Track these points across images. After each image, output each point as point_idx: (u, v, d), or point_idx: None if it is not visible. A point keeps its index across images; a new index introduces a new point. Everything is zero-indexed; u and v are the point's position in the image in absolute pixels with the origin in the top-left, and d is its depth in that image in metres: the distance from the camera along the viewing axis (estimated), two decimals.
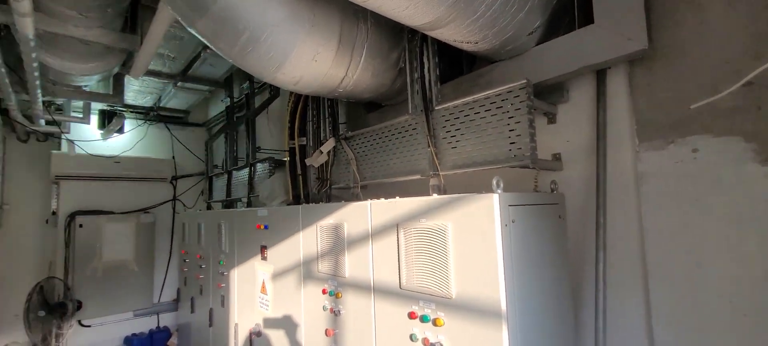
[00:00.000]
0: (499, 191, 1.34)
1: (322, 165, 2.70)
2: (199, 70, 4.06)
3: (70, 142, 4.54)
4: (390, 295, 1.66)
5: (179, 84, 4.37)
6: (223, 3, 1.49)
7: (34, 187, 4.60)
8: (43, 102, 3.65)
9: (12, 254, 4.44)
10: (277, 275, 2.47)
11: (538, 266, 1.48)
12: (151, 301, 4.92)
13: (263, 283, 2.62)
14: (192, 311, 3.91)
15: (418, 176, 2.03)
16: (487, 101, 1.73)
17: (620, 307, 1.68)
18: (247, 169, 3.86)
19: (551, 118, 1.94)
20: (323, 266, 2.05)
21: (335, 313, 1.93)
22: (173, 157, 5.48)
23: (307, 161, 2.76)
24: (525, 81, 1.59)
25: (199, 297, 3.78)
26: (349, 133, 2.55)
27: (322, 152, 2.62)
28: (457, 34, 1.62)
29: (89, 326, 4.50)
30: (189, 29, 1.62)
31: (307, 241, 2.20)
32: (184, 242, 4.28)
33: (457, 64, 2.30)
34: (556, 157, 1.90)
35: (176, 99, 5.05)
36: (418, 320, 1.50)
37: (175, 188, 5.48)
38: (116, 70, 3.43)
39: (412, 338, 1.52)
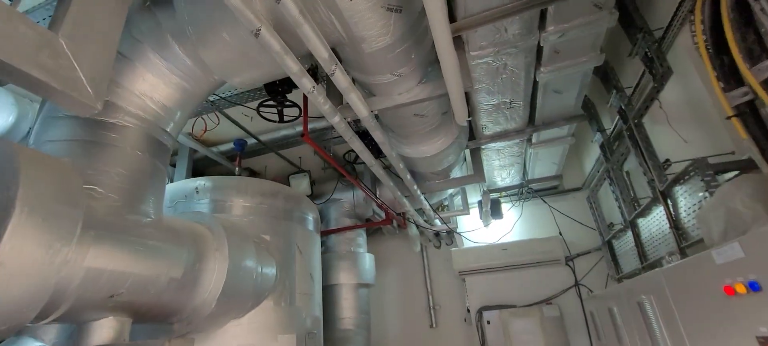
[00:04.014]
0: None
1: None
2: (545, 108, 3.22)
3: (458, 234, 4.70)
4: None
5: (534, 140, 3.70)
6: None
7: (452, 286, 4.92)
8: (431, 205, 4.00)
9: None
10: None
11: None
12: None
13: None
14: None
15: None
16: None
17: None
18: (659, 206, 2.34)
19: None
20: None
21: None
22: (560, 234, 4.62)
23: None
24: None
25: None
26: None
27: None
28: None
29: None
30: None
31: None
32: (599, 340, 3.01)
33: None
34: None
35: (540, 163, 4.36)
36: None
37: (573, 270, 4.48)
38: (464, 143, 3.25)
39: None
